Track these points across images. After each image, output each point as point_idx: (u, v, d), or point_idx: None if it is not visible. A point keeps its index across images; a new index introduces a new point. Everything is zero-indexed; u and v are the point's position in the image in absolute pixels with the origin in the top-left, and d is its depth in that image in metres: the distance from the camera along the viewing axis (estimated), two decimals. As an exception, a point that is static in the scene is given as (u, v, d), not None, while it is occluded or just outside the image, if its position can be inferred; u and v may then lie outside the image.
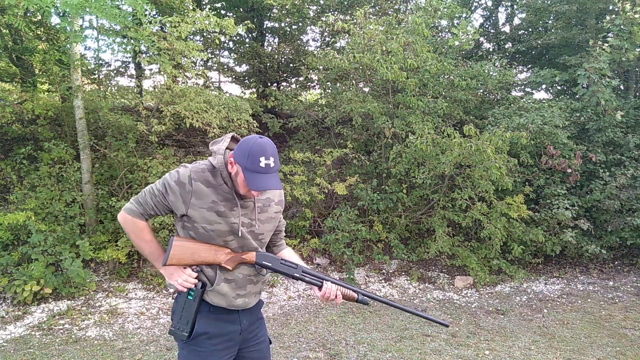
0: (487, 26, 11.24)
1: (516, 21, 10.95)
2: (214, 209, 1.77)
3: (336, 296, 1.91)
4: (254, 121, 6.78)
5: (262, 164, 1.68)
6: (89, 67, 7.38)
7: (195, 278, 1.83)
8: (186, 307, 1.83)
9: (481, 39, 10.33)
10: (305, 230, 6.65)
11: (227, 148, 1.84)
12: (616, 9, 6.81)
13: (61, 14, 5.31)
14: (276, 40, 10.66)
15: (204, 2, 9.47)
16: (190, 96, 6.14)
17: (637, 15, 6.27)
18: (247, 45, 9.68)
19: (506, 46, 10.77)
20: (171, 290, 1.64)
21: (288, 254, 2.11)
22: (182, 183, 1.74)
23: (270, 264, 1.88)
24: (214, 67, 10.59)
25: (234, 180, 1.79)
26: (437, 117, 6.85)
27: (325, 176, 6.64)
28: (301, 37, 10.34)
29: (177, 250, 1.78)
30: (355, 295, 1.95)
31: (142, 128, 5.92)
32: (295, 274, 1.91)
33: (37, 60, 6.89)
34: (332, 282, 1.93)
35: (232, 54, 10.52)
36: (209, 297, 1.85)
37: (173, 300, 1.90)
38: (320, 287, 1.92)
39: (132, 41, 5.77)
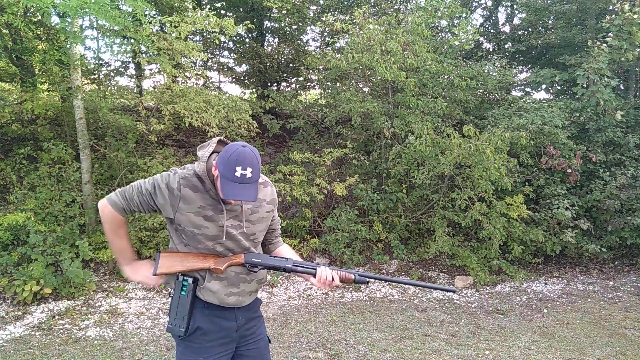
0: (487, 26, 11.23)
1: (516, 21, 10.96)
2: (201, 214, 1.79)
3: (333, 278, 1.91)
4: (254, 122, 6.78)
5: (238, 174, 1.68)
6: (88, 67, 7.38)
7: (188, 275, 1.86)
8: (180, 303, 1.85)
9: (481, 39, 10.33)
10: (305, 230, 6.65)
11: (214, 151, 1.85)
12: (615, 9, 6.80)
13: (61, 15, 5.30)
14: (276, 40, 10.65)
15: (204, 2, 9.47)
16: (190, 96, 6.14)
17: (635, 16, 6.27)
18: (247, 45, 9.68)
19: (506, 46, 10.76)
20: (169, 290, 1.67)
21: (284, 250, 2.12)
22: (172, 188, 1.77)
23: (259, 260, 1.90)
24: (214, 67, 10.58)
25: (215, 185, 1.80)
26: (436, 117, 6.84)
27: (325, 176, 6.64)
28: (301, 37, 10.34)
29: (165, 260, 1.82)
30: (352, 276, 1.95)
31: (141, 128, 5.92)
32: (286, 265, 1.92)
33: (37, 60, 6.88)
34: (326, 267, 1.94)
35: (231, 54, 10.51)
36: (202, 293, 1.87)
37: (170, 300, 1.92)
38: (314, 275, 1.93)
39: (131, 41, 5.77)
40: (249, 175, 1.69)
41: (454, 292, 1.93)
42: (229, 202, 1.83)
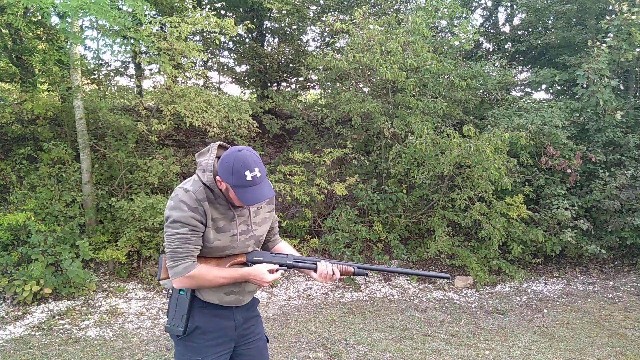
0: (487, 26, 11.24)
1: (516, 21, 10.96)
2: (213, 227, 1.80)
3: (333, 272, 1.94)
4: (254, 122, 6.78)
5: (249, 178, 1.68)
6: (88, 67, 7.38)
7: None
8: (179, 303, 1.85)
9: (481, 39, 10.33)
10: (305, 231, 6.65)
11: (216, 156, 1.83)
12: (615, 10, 6.80)
13: (61, 15, 5.30)
14: (276, 40, 10.65)
15: (204, 2, 9.47)
16: (190, 96, 6.14)
17: (634, 17, 6.27)
18: (247, 45, 9.68)
19: (506, 46, 10.77)
20: (168, 290, 1.68)
21: (283, 246, 2.14)
22: (195, 208, 1.74)
23: (261, 258, 1.91)
24: (214, 67, 10.58)
25: (226, 196, 1.80)
26: (436, 117, 6.85)
27: (325, 176, 6.64)
28: (301, 37, 10.34)
29: None
30: (352, 269, 1.98)
31: (142, 128, 5.92)
32: (287, 262, 1.94)
33: (37, 60, 6.88)
34: (326, 261, 1.96)
35: (232, 54, 10.52)
36: (201, 293, 1.87)
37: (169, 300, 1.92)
38: (315, 270, 1.94)
39: (131, 41, 5.77)
40: (258, 174, 1.71)
41: (447, 278, 1.96)
42: (240, 207, 1.84)
